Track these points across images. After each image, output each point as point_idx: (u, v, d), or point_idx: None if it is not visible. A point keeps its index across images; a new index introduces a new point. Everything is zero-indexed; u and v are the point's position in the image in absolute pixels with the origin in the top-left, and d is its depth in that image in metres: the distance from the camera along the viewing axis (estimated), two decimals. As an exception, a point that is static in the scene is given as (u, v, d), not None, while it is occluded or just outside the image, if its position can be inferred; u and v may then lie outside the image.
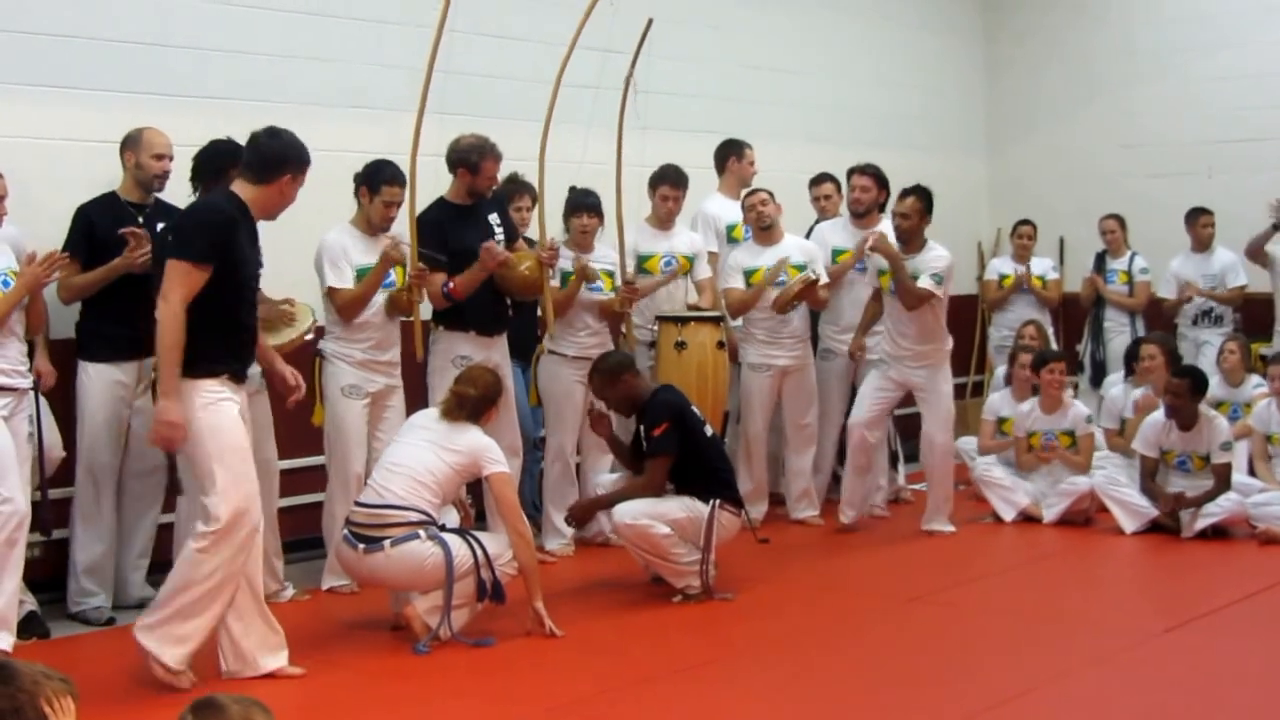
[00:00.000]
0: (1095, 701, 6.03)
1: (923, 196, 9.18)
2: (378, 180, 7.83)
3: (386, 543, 6.76)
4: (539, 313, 8.66)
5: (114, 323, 7.36)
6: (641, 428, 7.92)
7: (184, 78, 8.22)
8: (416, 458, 6.96)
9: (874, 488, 9.78)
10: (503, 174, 8.48)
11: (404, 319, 8.06)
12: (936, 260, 9.16)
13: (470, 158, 8.13)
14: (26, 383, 6.76)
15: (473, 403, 7.12)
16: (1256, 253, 11.46)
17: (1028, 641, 6.94)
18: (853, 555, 8.90)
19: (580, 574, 8.36)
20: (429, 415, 7.24)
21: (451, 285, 8.03)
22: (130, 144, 7.45)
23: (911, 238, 9.16)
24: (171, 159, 7.45)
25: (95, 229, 7.32)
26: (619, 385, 7.95)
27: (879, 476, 9.81)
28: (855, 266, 9.72)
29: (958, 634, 7.16)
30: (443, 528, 6.91)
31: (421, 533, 6.77)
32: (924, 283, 9.03)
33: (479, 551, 6.80)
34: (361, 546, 6.82)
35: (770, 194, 9.57)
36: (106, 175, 7.55)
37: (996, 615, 7.50)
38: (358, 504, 7.06)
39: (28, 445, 6.80)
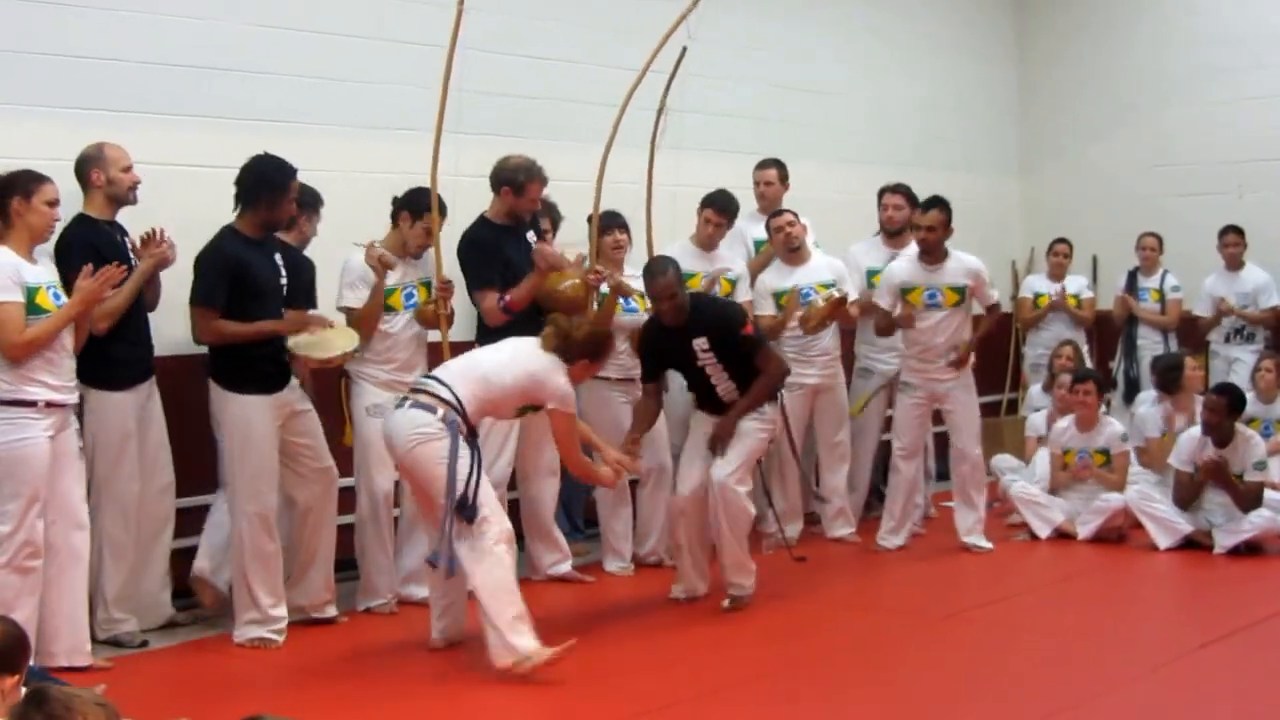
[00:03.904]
0: (1134, 718, 6.07)
1: (944, 208, 9.23)
2: (419, 206, 7.90)
3: (407, 402, 6.87)
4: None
5: (130, 344, 7.26)
6: (704, 340, 7.91)
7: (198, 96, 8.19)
8: (488, 359, 7.08)
9: (913, 507, 9.79)
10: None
11: (432, 336, 8.08)
12: (975, 269, 9.32)
13: (517, 178, 8.20)
14: (74, 399, 6.78)
15: (570, 345, 7.08)
16: None
17: (1064, 659, 6.95)
18: (889, 572, 8.94)
19: (636, 593, 8.42)
20: (528, 340, 7.20)
21: (508, 299, 8.07)
22: (93, 162, 7.22)
23: (936, 249, 9.22)
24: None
25: (99, 252, 7.01)
26: (681, 291, 7.93)
27: (917, 495, 9.83)
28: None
29: (994, 651, 7.18)
30: (472, 435, 6.89)
31: (440, 410, 6.76)
32: (992, 295, 9.45)
33: (473, 479, 6.72)
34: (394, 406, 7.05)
35: (795, 214, 9.62)
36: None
37: (1032, 633, 7.52)
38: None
39: (79, 461, 6.82)
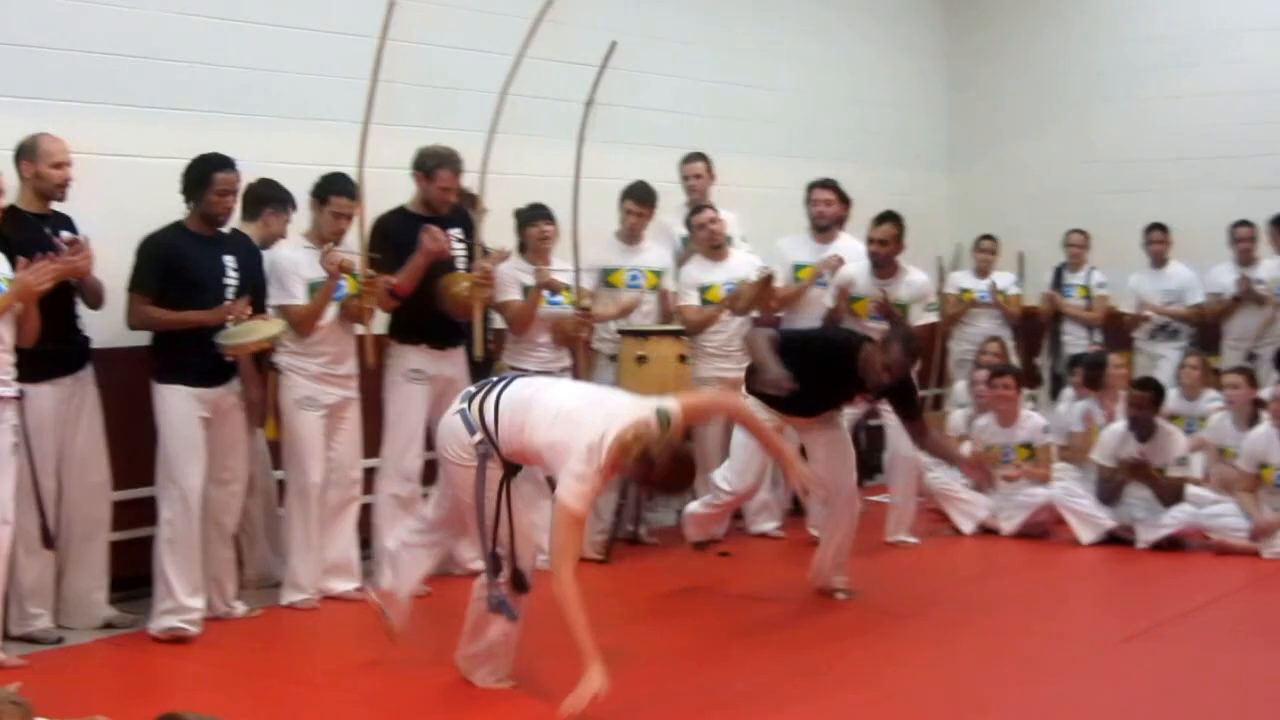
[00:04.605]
0: (1055, 711, 6.11)
1: (898, 223, 9.26)
2: (326, 191, 7.83)
3: (464, 406, 6.19)
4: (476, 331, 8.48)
5: (49, 340, 6.98)
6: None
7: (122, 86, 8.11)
8: (546, 405, 6.02)
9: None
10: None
11: (359, 330, 8.02)
12: (924, 289, 9.43)
13: (427, 163, 8.18)
14: (11, 392, 6.66)
15: (644, 463, 5.86)
16: None
17: (988, 652, 7.00)
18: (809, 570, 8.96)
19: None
20: (614, 412, 5.97)
21: (394, 283, 7.99)
22: (26, 153, 7.12)
23: (887, 263, 9.25)
24: (70, 165, 7.17)
25: (20, 246, 6.86)
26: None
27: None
28: (817, 282, 9.69)
29: (918, 646, 7.20)
30: (512, 470, 6.11)
31: (478, 435, 6.05)
32: (928, 317, 9.43)
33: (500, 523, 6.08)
34: None
35: (716, 210, 9.65)
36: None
37: (956, 627, 7.53)
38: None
39: (12, 457, 6.67)
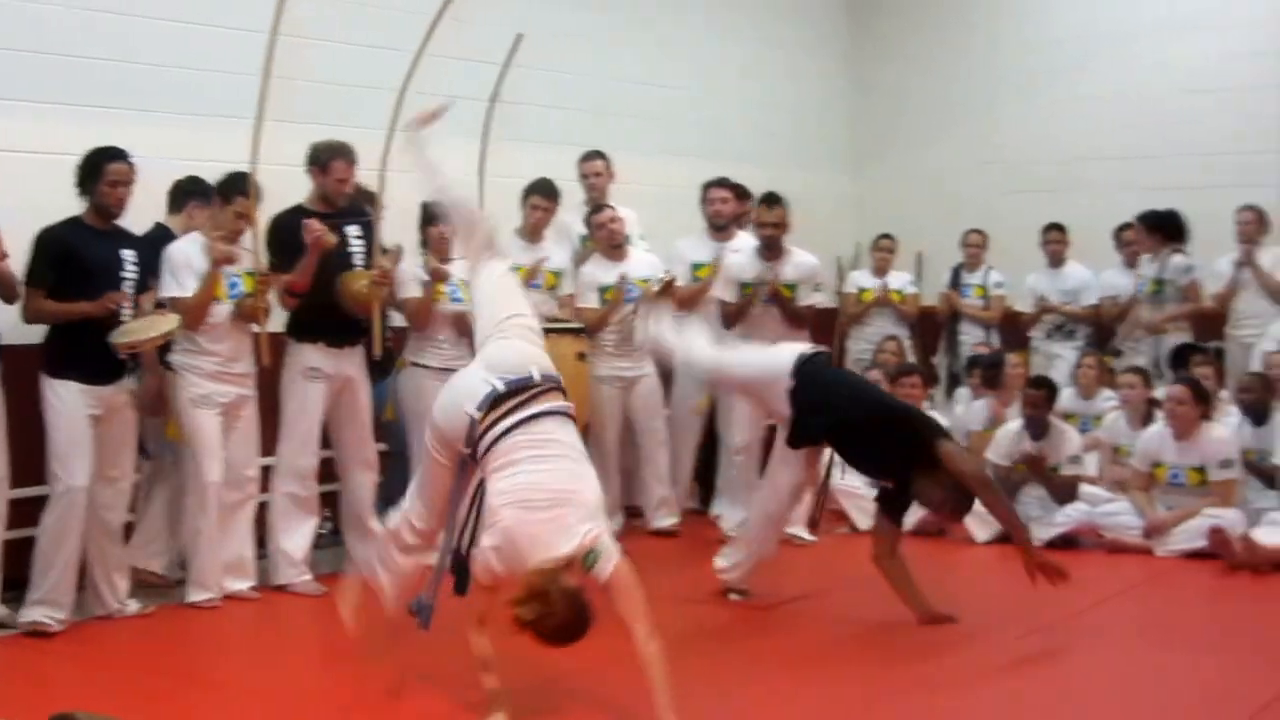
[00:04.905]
0: (948, 709, 6.16)
1: (785, 205, 9.37)
2: (229, 190, 7.80)
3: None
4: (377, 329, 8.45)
5: None
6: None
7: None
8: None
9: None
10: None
11: (254, 328, 7.98)
12: (812, 270, 9.49)
13: (320, 156, 8.15)
14: None
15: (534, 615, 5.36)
16: None
17: (884, 649, 7.05)
18: (710, 565, 8.95)
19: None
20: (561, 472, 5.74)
21: (288, 281, 7.98)
22: None
23: (776, 244, 9.33)
24: None
25: None
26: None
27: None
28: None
29: (810, 643, 7.22)
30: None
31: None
32: (815, 297, 9.49)
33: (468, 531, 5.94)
34: None
35: (614, 209, 9.67)
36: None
37: (853, 624, 7.58)
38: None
39: None
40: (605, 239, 9.58)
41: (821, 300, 9.65)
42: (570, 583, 5.38)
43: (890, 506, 7.70)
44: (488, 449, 5.75)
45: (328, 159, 8.15)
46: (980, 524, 9.40)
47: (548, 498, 5.58)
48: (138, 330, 7.29)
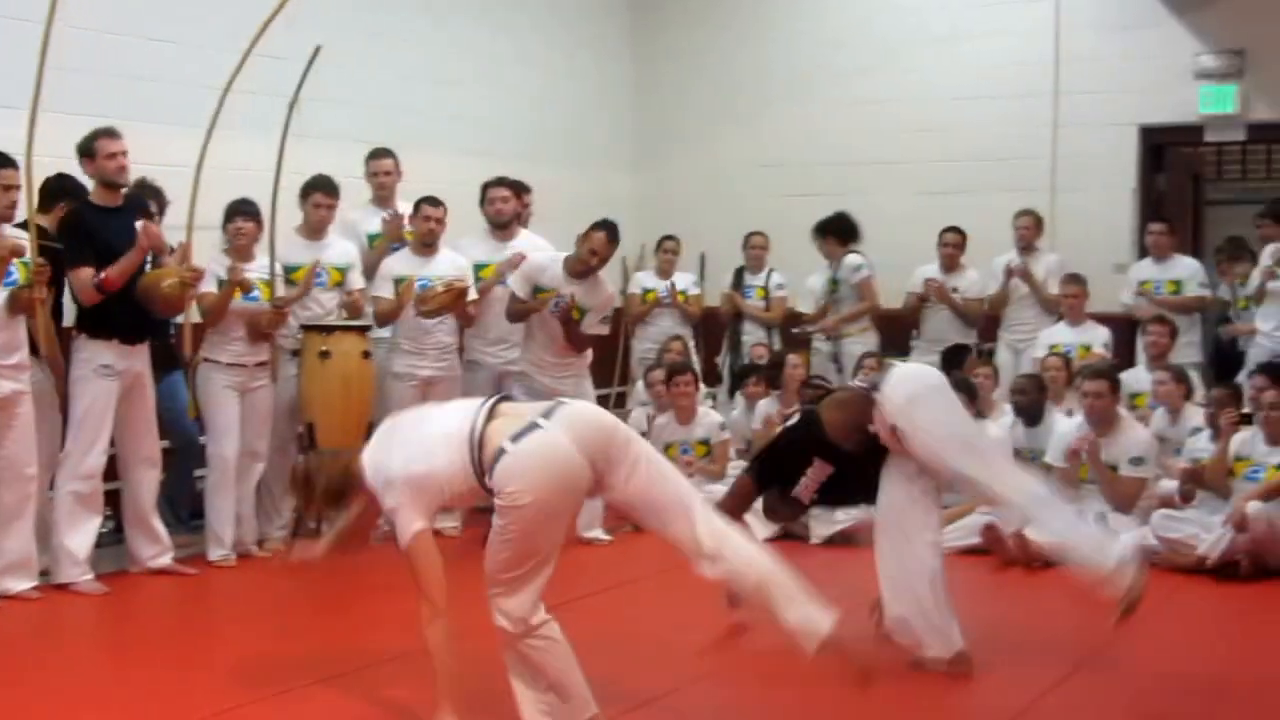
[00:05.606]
0: (730, 699, 6.28)
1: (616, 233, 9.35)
2: None
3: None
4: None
5: None
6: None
7: None
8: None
9: None
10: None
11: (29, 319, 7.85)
12: (608, 301, 9.50)
13: (89, 144, 8.07)
14: None
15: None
16: None
17: (667, 644, 7.25)
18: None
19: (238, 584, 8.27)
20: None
21: (104, 276, 7.89)
22: None
23: (594, 273, 9.32)
24: None
25: None
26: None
27: None
28: (500, 282, 9.76)
29: (603, 638, 7.23)
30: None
31: None
32: (600, 329, 9.47)
33: None
34: None
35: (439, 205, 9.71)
36: None
37: (635, 621, 7.79)
38: None
39: None
40: (425, 234, 9.61)
41: (603, 333, 9.65)
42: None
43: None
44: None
45: (91, 141, 8.07)
46: (760, 521, 9.56)
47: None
48: None
